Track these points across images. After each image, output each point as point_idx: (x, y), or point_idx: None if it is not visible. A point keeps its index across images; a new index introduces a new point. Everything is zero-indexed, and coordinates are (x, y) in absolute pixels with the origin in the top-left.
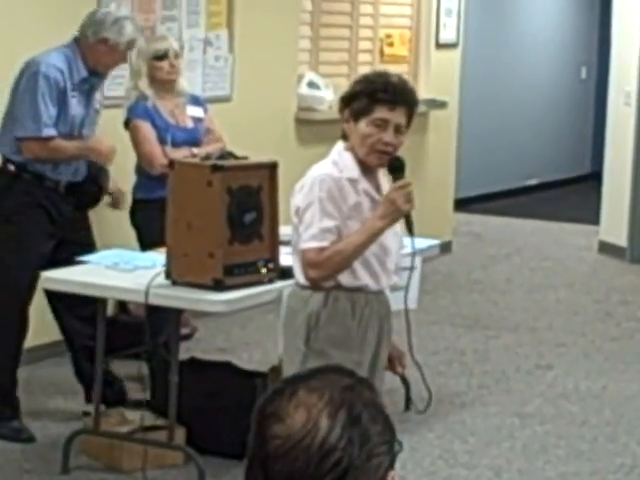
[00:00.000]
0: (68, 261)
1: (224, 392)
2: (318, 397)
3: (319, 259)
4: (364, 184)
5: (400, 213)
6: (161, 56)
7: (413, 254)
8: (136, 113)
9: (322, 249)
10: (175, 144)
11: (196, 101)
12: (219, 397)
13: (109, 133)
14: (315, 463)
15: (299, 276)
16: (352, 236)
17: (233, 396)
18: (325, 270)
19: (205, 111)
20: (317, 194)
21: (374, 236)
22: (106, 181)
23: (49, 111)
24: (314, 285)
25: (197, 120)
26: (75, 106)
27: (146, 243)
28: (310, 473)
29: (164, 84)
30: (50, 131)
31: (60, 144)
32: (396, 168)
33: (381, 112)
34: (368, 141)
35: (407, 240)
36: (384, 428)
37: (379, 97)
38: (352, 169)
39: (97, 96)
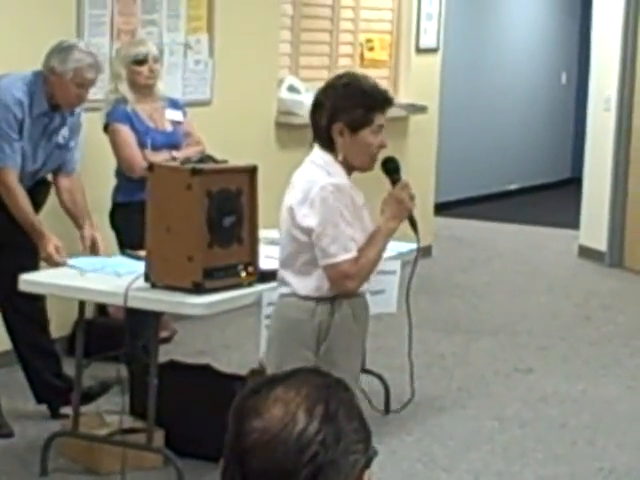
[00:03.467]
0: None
1: (203, 395)
2: (295, 393)
3: (354, 269)
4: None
5: (408, 212)
6: (141, 60)
7: (418, 250)
8: (115, 117)
9: (356, 259)
10: (155, 147)
11: (175, 104)
12: (198, 400)
13: (88, 137)
14: (292, 456)
15: (301, 288)
16: (372, 241)
17: (212, 399)
18: (361, 279)
19: (184, 114)
20: (333, 204)
21: (390, 238)
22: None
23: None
24: (349, 296)
25: (176, 123)
26: (25, 139)
27: (126, 246)
28: (287, 467)
29: (142, 88)
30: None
31: (17, 190)
32: (393, 169)
33: (379, 119)
34: (371, 149)
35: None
36: (359, 427)
37: (379, 106)
38: (344, 177)
39: (64, 132)
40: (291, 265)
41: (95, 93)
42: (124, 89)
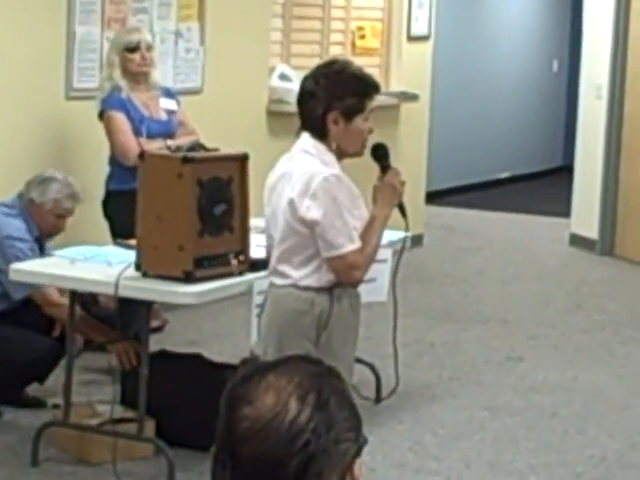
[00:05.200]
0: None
1: (194, 384)
2: (287, 381)
3: (361, 259)
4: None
5: (399, 198)
6: (133, 48)
7: (406, 234)
8: (110, 104)
9: (361, 248)
10: (150, 136)
11: (168, 93)
12: (189, 389)
13: (83, 125)
14: (284, 445)
15: (302, 279)
16: (371, 229)
17: (203, 388)
18: (366, 268)
19: (178, 104)
20: (336, 196)
21: (386, 224)
22: None
23: None
24: (355, 286)
25: (170, 112)
26: None
27: (118, 234)
28: (278, 455)
29: (136, 76)
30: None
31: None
32: (383, 155)
33: (369, 104)
34: (363, 135)
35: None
36: (351, 415)
37: (370, 92)
38: (337, 166)
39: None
40: (291, 258)
41: (87, 81)
42: (117, 77)
